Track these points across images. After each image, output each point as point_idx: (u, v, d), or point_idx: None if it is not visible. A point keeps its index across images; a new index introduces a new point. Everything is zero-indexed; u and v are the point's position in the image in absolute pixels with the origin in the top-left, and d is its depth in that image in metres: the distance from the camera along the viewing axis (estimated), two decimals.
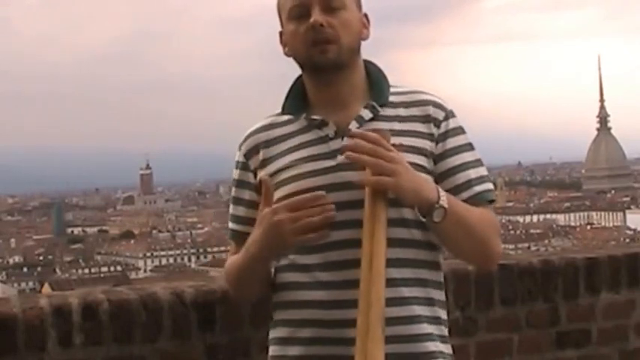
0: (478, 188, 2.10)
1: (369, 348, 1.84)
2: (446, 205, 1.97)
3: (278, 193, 2.06)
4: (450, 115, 2.13)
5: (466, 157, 2.12)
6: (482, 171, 2.14)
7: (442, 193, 1.99)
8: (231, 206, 2.24)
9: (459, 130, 2.14)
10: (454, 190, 2.07)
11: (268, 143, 2.15)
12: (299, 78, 2.18)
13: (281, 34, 2.17)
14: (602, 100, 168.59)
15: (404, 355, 1.99)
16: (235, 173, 2.22)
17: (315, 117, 2.10)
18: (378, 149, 1.93)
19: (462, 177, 2.10)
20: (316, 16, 2.04)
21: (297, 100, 2.15)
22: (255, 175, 2.15)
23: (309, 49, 2.06)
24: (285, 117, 2.16)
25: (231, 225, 2.24)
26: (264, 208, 2.01)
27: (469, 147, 2.14)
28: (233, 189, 2.23)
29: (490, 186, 2.14)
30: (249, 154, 2.18)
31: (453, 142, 2.11)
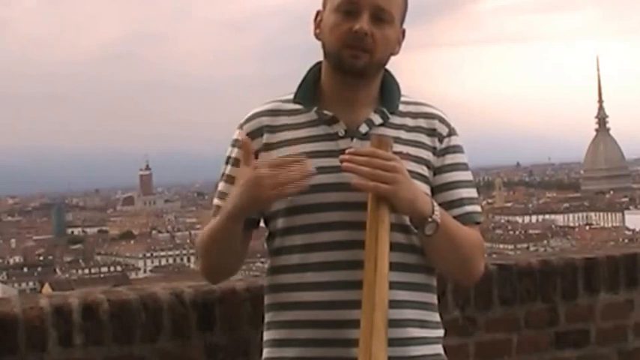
0: (469, 208, 2.14)
1: (373, 350, 1.85)
2: (438, 220, 2.00)
3: None
4: (452, 132, 2.17)
5: (461, 175, 2.15)
6: (473, 192, 2.18)
7: (436, 207, 2.01)
8: (222, 184, 2.17)
9: (459, 149, 2.17)
10: (446, 206, 2.09)
11: (273, 129, 2.12)
12: (315, 65, 2.16)
13: (318, 13, 2.14)
14: (600, 101, 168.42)
15: (396, 358, 1.98)
16: (232, 151, 2.16)
17: (326, 112, 2.09)
18: (373, 160, 1.94)
19: (455, 194, 2.13)
20: (364, 23, 2.03)
21: (309, 90, 2.14)
22: (257, 158, 2.09)
23: (342, 49, 2.05)
24: (293, 105, 2.14)
25: (218, 201, 2.16)
26: (244, 167, 2.01)
27: (465, 167, 2.18)
28: (228, 167, 2.17)
29: (479, 208, 2.19)
30: (253, 135, 2.13)
31: (451, 158, 2.15)
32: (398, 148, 2.04)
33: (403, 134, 2.11)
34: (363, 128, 2.09)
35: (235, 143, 2.16)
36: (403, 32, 2.16)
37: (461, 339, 3.07)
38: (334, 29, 2.06)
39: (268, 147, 2.10)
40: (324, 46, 2.11)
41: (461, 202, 2.13)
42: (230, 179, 2.15)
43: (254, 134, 2.13)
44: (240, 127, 2.17)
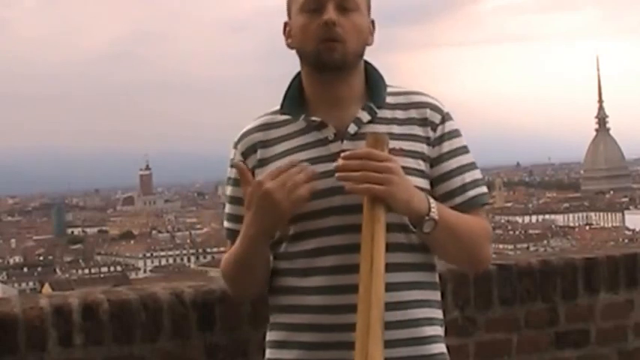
0: (472, 193, 2.11)
1: (369, 349, 1.84)
2: (436, 217, 1.98)
3: None
4: (446, 117, 2.13)
5: (461, 160, 2.12)
6: (476, 174, 2.14)
7: (433, 204, 1.99)
8: (228, 205, 2.20)
9: (455, 133, 2.13)
10: (448, 195, 2.08)
11: (266, 143, 2.12)
12: (297, 76, 2.16)
13: (286, 24, 2.14)
14: (600, 101, 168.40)
15: (415, 357, 2.01)
16: (232, 172, 2.18)
17: (314, 118, 2.08)
18: (367, 163, 1.92)
19: (457, 181, 2.10)
20: (330, 14, 2.03)
21: (295, 99, 2.13)
22: (253, 174, 2.10)
23: (318, 45, 2.04)
24: (282, 117, 2.14)
25: (227, 224, 2.20)
26: (246, 188, 2.01)
27: (464, 150, 2.14)
28: (230, 188, 2.19)
29: (484, 189, 2.15)
30: (247, 152, 2.14)
31: (448, 145, 2.11)
32: (391, 144, 2.01)
33: (395, 128, 2.08)
34: (352, 128, 2.07)
35: (231, 163, 2.18)
36: (372, 23, 2.15)
37: (461, 339, 3.06)
38: (305, 29, 2.06)
39: (263, 162, 2.11)
40: (299, 51, 2.11)
41: (463, 188, 2.10)
42: (234, 200, 2.17)
43: (248, 152, 2.14)
44: (235, 146, 2.18)
